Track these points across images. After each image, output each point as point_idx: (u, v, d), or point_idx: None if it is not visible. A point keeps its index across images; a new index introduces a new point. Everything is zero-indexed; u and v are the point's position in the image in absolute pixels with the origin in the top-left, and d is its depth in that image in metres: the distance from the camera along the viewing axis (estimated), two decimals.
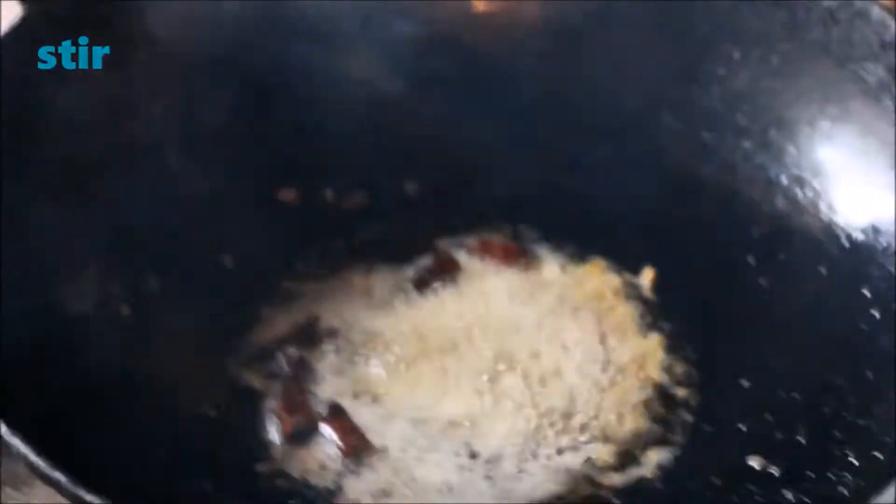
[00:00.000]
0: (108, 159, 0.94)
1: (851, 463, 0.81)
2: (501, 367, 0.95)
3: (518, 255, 1.03)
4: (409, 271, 1.02)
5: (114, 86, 0.95)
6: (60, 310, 0.86)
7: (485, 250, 1.03)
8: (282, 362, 0.95)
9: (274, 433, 0.91)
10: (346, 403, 0.93)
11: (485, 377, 0.94)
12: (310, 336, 0.97)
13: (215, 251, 0.99)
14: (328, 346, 0.96)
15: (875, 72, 0.92)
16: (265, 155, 1.02)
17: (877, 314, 0.88)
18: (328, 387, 0.94)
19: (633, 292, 1.01)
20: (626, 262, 1.02)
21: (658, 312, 0.99)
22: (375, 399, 0.93)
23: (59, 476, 0.71)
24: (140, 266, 0.95)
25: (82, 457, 0.74)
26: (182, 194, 0.98)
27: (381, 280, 1.01)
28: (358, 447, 0.90)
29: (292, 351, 0.95)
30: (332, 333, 0.97)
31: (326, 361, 0.96)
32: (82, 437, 0.77)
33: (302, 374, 0.95)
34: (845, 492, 0.79)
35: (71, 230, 0.88)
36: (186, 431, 0.87)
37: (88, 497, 0.70)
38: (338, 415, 0.92)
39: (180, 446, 0.85)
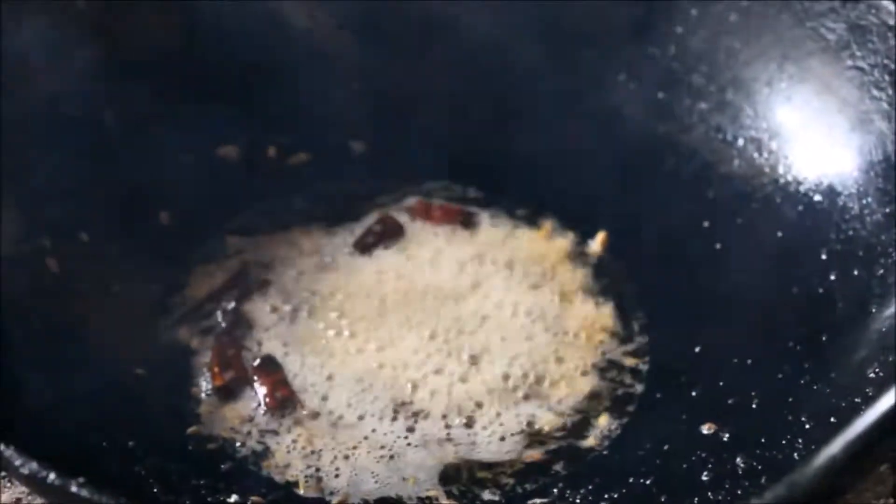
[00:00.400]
0: (38, 109, 0.91)
1: (806, 428, 0.77)
2: (445, 331, 0.92)
3: (458, 216, 1.00)
4: (353, 230, 0.99)
5: (41, 35, 0.91)
6: None
7: (424, 212, 0.99)
8: (218, 317, 0.91)
9: (205, 388, 0.88)
10: (283, 360, 0.89)
11: (428, 341, 0.91)
12: (245, 288, 0.93)
13: (151, 208, 0.96)
14: (267, 303, 0.93)
15: (835, 29, 0.90)
16: (207, 110, 0.98)
17: (834, 277, 0.86)
18: (266, 344, 0.91)
19: (583, 256, 0.98)
20: (578, 225, 0.99)
21: (610, 276, 0.97)
22: (314, 358, 0.90)
23: None
24: (70, 220, 0.91)
25: None
26: (117, 150, 0.95)
27: (324, 239, 0.98)
28: (284, 401, 0.86)
29: (229, 305, 0.92)
30: (266, 284, 0.94)
31: (265, 319, 0.92)
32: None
33: (238, 329, 0.91)
34: (798, 457, 0.76)
35: None
36: (112, 389, 0.82)
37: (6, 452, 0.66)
38: (270, 366, 0.88)
39: (106, 404, 0.81)
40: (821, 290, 0.86)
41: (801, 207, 0.90)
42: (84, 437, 0.78)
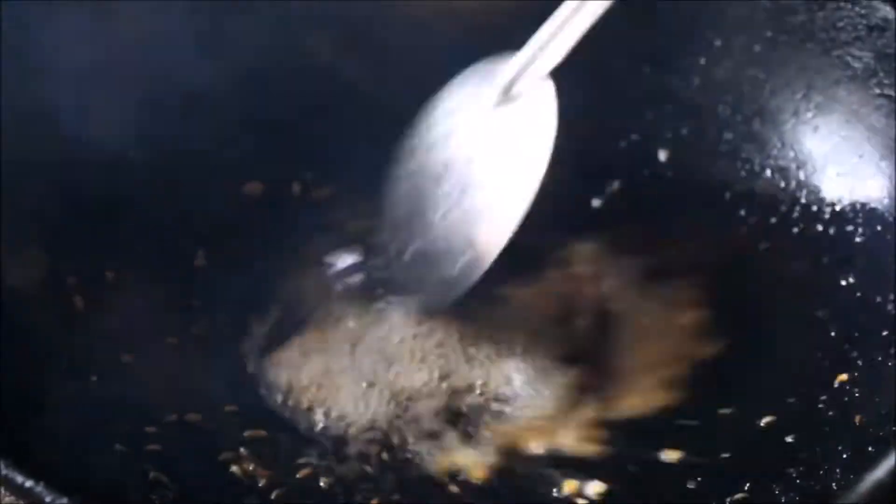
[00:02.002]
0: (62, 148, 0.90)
1: (843, 458, 0.76)
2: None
3: None
4: None
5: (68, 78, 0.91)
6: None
7: None
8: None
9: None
10: None
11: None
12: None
13: (177, 245, 0.95)
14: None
15: (862, 57, 0.89)
16: (230, 149, 0.98)
17: (867, 306, 0.85)
18: None
19: None
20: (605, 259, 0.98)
21: None
22: None
23: None
24: (97, 260, 0.90)
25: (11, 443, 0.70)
26: (142, 187, 0.94)
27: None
28: None
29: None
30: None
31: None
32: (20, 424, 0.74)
33: None
34: (836, 488, 0.75)
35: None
36: (142, 425, 0.82)
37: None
38: None
39: (135, 440, 0.80)
40: (853, 320, 0.85)
41: (831, 237, 0.90)
42: (113, 473, 0.77)
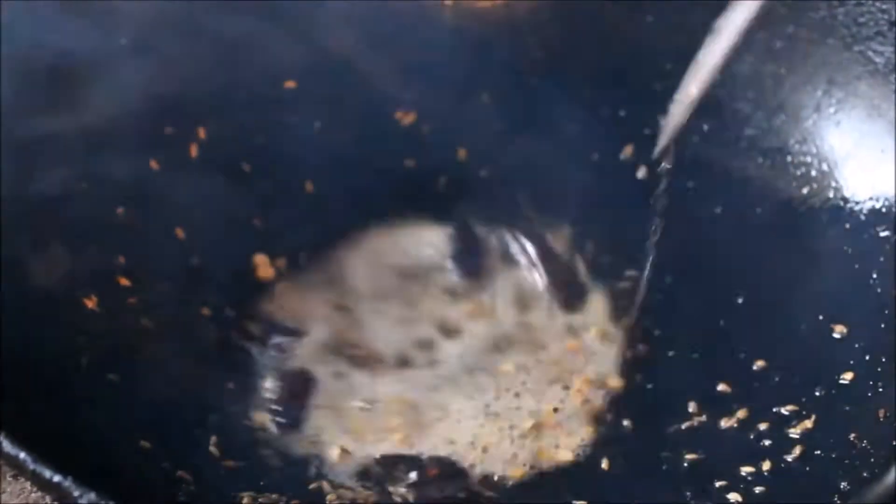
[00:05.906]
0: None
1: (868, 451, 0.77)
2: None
3: None
4: None
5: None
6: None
7: None
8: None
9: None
10: None
11: None
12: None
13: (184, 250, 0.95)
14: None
15: (883, 52, 0.90)
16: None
17: (887, 300, 0.84)
18: None
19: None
20: (627, 249, 0.98)
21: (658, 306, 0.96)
22: None
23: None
24: (111, 262, 0.91)
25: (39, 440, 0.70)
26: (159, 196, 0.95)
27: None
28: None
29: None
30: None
31: None
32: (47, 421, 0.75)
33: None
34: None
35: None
36: (158, 423, 0.83)
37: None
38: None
39: (154, 435, 0.81)
40: (874, 314, 0.85)
41: (851, 232, 0.90)
42: (138, 469, 0.78)
